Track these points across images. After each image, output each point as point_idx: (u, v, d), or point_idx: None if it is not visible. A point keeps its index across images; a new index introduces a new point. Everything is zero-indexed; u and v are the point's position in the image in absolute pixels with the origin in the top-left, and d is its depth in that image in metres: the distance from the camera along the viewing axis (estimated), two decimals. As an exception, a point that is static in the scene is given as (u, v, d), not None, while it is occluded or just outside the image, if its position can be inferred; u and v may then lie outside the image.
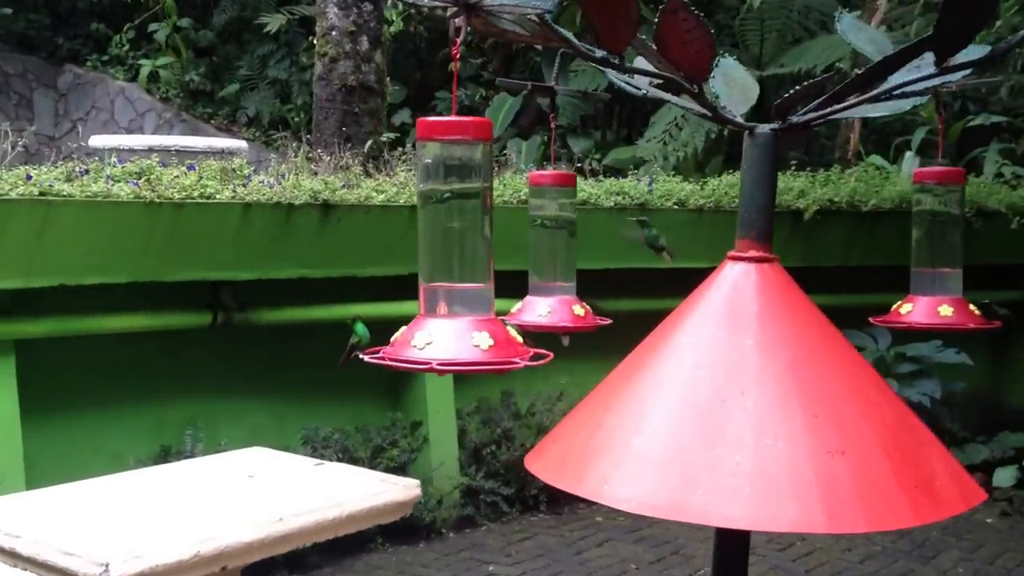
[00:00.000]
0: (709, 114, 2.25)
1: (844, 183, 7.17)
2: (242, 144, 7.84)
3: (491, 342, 1.82)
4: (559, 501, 6.63)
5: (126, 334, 5.50)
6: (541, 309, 2.75)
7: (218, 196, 5.27)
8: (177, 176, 5.23)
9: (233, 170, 5.40)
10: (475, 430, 6.50)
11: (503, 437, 6.45)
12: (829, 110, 2.25)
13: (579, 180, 6.61)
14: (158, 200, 5.05)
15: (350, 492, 4.01)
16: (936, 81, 2.21)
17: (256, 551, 3.63)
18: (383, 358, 1.86)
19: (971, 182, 7.44)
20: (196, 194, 5.19)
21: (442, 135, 1.81)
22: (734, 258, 2.30)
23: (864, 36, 2.57)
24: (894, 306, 2.77)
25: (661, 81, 2.44)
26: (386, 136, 6.95)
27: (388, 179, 6.04)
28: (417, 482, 4.24)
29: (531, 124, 10.00)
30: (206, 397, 5.90)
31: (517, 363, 1.84)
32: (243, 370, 6.01)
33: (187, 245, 5.27)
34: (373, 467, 6.03)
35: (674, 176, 7.29)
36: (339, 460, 5.87)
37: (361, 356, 1.86)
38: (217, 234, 5.36)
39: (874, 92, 2.18)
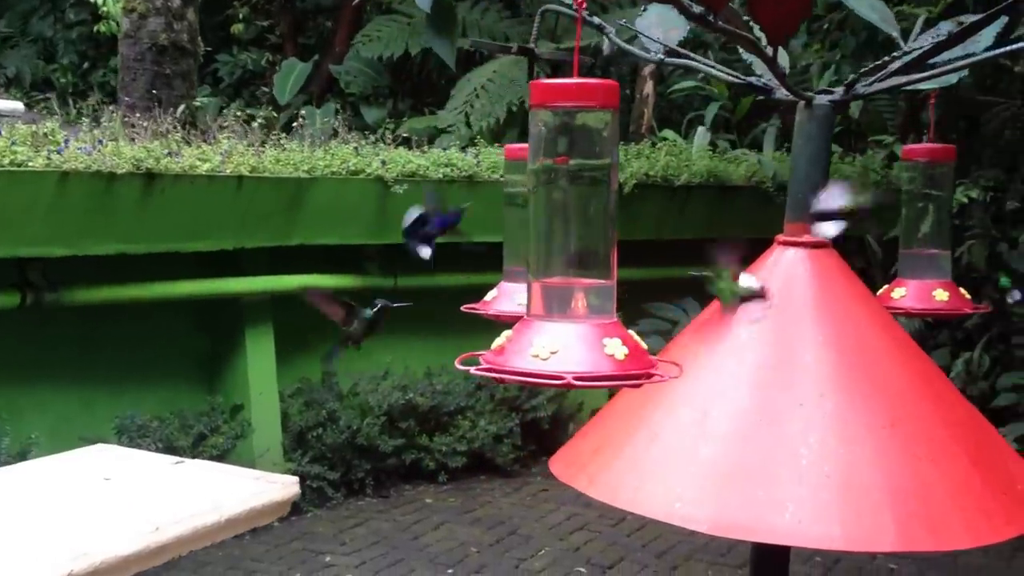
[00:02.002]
0: (767, 85, 2.00)
1: (656, 158, 7.12)
2: (18, 105, 6.99)
3: (625, 350, 1.50)
4: (385, 484, 6.28)
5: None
6: (520, 297, 2.41)
7: (31, 164, 4.61)
8: (-19, 141, 4.54)
9: (45, 135, 4.74)
10: (298, 413, 6.05)
11: (328, 419, 6.03)
12: (899, 81, 2.05)
13: (404, 151, 6.27)
14: (-42, 167, 4.37)
15: (226, 494, 3.57)
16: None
17: (133, 565, 3.16)
18: (494, 369, 1.50)
19: (778, 157, 7.57)
20: (6, 161, 4.52)
21: (562, 100, 1.48)
22: (785, 243, 2.08)
23: (866, 3, 2.39)
24: (882, 290, 2.61)
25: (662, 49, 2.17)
26: (200, 100, 6.35)
27: (210, 147, 5.50)
28: (295, 479, 3.84)
29: (322, 91, 9.50)
30: (9, 385, 5.20)
31: (662, 376, 1.53)
32: (51, 355, 5.35)
33: (-7, 218, 4.61)
34: (195, 457, 5.51)
35: (480, 147, 7.02)
36: (158, 451, 5.33)
37: (457, 364, 1.50)
38: (28, 206, 4.70)
39: (955, 66, 2.01)
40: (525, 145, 2.59)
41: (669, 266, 6.82)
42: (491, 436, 6.39)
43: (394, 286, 6.43)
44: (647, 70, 8.92)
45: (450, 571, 5.20)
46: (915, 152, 2.56)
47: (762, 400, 1.81)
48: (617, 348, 1.49)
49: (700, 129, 8.23)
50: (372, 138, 6.50)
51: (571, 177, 1.50)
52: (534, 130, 1.51)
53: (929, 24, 2.38)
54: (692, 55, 2.25)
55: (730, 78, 2.12)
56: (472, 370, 1.52)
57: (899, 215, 6.44)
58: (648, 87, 8.77)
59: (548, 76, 2.66)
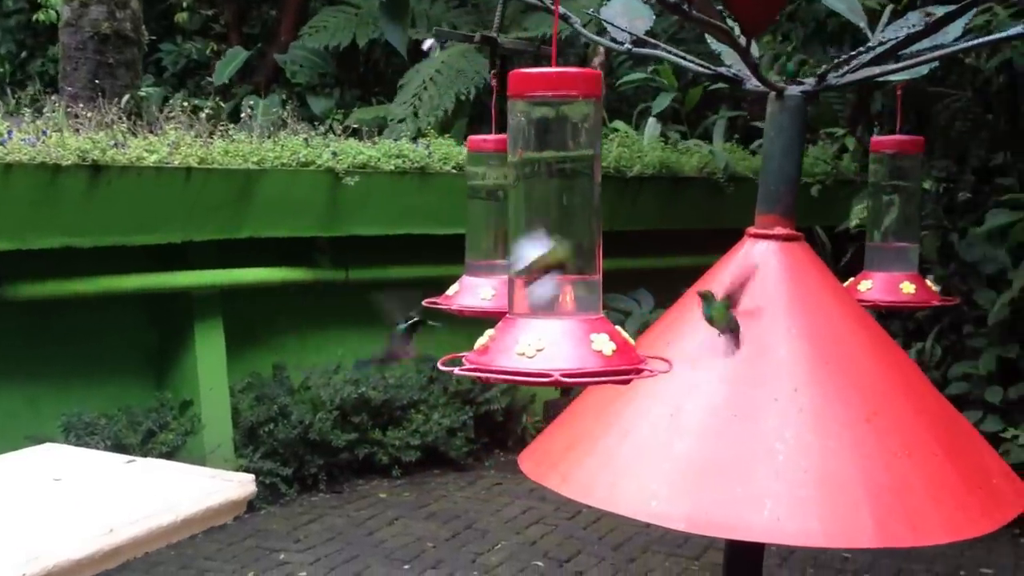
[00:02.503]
0: (737, 75, 1.96)
1: (608, 149, 7.10)
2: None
3: (613, 346, 1.46)
4: (338, 480, 6.20)
5: None
6: (484, 292, 2.38)
7: (-28, 155, 4.49)
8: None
9: (-14, 125, 4.61)
10: (249, 408, 5.95)
11: (279, 414, 5.94)
12: (871, 72, 2.02)
13: (355, 143, 6.19)
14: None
15: (181, 493, 3.50)
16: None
17: (87, 568, 3.08)
18: (479, 369, 1.45)
19: (729, 148, 7.58)
20: (-53, 152, 4.40)
21: (540, 90, 1.42)
22: (756, 236, 2.04)
23: (834, -5, 2.37)
24: (848, 282, 2.59)
25: (630, 39, 2.13)
26: (145, 90, 6.21)
27: (156, 138, 5.38)
28: (251, 477, 3.77)
29: (267, 81, 9.36)
30: (-49, 384, 5.07)
31: (652, 371, 1.49)
32: (-6, 351, 5.23)
33: (-67, 212, 4.48)
34: (145, 455, 5.40)
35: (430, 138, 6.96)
36: (107, 448, 5.22)
37: (440, 365, 1.45)
38: (-31, 199, 4.58)
39: (928, 57, 1.98)
40: (488, 136, 2.55)
41: (622, 257, 6.81)
42: (444, 429, 6.34)
43: (346, 279, 6.35)
44: (596, 60, 8.89)
45: (406, 567, 5.14)
46: (883, 144, 2.54)
47: (736, 395, 1.77)
48: (605, 344, 1.44)
49: (650, 120, 8.22)
50: (322, 129, 6.41)
51: (553, 169, 1.45)
52: (513, 121, 1.46)
53: (896, 15, 2.36)
54: (662, 45, 2.21)
55: (700, 68, 2.08)
56: (456, 371, 1.47)
57: (850, 207, 6.43)
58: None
59: (496, 65, 2.63)
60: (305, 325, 6.41)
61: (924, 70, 2.19)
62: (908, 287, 2.49)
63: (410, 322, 1.94)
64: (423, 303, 2.55)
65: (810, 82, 2.01)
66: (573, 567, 5.18)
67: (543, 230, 1.46)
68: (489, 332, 1.51)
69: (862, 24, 2.38)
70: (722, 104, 9.07)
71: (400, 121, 8.29)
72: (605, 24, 2.24)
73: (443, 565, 5.16)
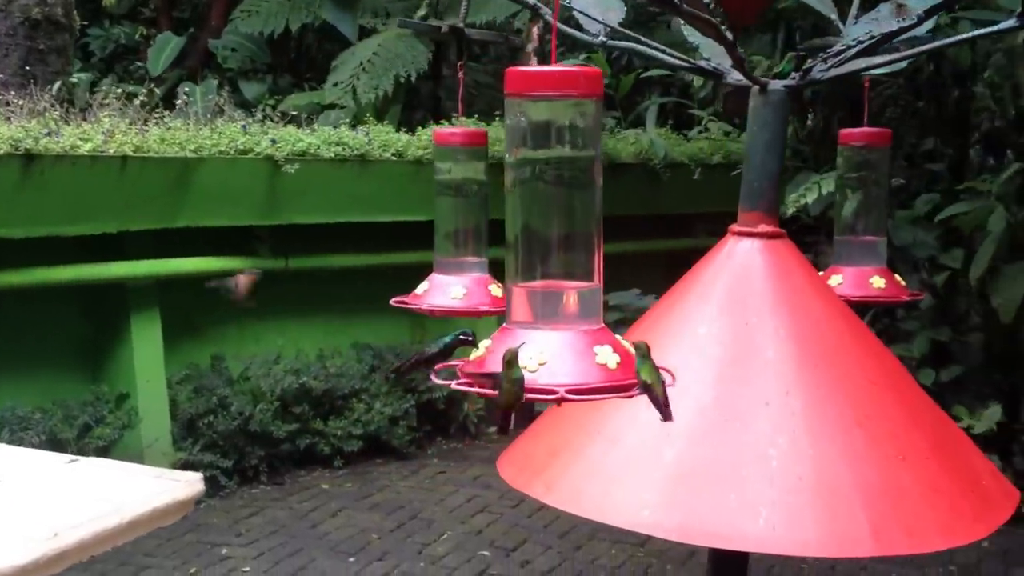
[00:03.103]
0: (717, 69, 1.88)
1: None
2: None
3: (617, 358, 1.37)
4: (279, 471, 6.06)
5: None
6: (454, 291, 2.27)
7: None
8: None
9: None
10: (187, 400, 5.78)
11: (219, 406, 5.77)
12: (857, 67, 1.95)
13: (293, 129, 6.03)
14: None
15: (126, 494, 3.35)
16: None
17: (31, 574, 2.93)
18: (476, 384, 1.35)
19: (663, 134, 7.53)
20: None
21: (541, 89, 1.33)
22: (740, 233, 1.97)
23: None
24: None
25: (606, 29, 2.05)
26: (77, 77, 5.98)
27: (90, 125, 5.18)
28: (199, 476, 3.62)
29: (200, 67, 9.11)
30: None
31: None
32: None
33: None
34: (81, 450, 5.21)
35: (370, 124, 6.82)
36: (42, 444, 5.03)
37: (436, 379, 1.35)
38: None
39: (918, 50, 1.92)
40: (455, 129, 2.44)
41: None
42: (387, 418, 6.22)
43: (285, 267, 6.20)
44: (531, 47, 8.79)
45: (351, 559, 5.03)
46: (852, 136, 2.48)
47: (726, 398, 1.70)
48: (609, 356, 1.36)
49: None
50: (259, 116, 6.23)
51: (552, 171, 1.36)
52: (511, 121, 1.36)
53: (865, 7, 2.31)
54: (640, 38, 2.12)
55: (678, 62, 2.00)
56: (453, 384, 1.37)
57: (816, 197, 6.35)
58: (533, 64, 8.64)
59: (432, 54, 2.52)
60: (244, 315, 6.24)
61: (903, 64, 2.14)
62: (878, 282, 2.44)
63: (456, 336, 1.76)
64: (391, 302, 2.43)
65: (795, 76, 1.94)
66: (520, 556, 5.11)
67: (542, 238, 1.36)
68: (485, 343, 1.41)
69: (833, 16, 2.32)
70: (653, 90, 9.04)
71: (336, 107, 8.13)
72: (577, 15, 2.15)
73: (389, 557, 5.05)
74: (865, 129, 2.49)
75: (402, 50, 8.36)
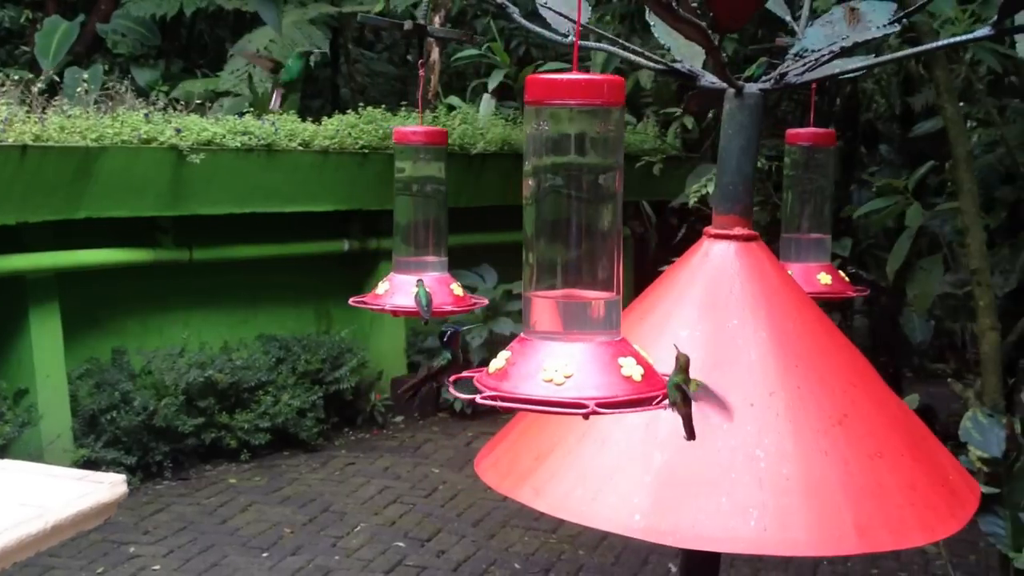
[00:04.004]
0: (691, 71, 1.86)
1: (451, 126, 6.96)
2: None
3: (641, 370, 1.33)
4: (184, 466, 5.88)
5: None
6: (415, 291, 2.20)
7: None
8: None
9: None
10: (88, 395, 5.56)
11: (121, 401, 5.57)
12: (833, 71, 1.95)
13: (198, 118, 5.85)
14: None
15: (49, 498, 3.21)
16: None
17: (-45, 583, 2.80)
18: (502, 397, 1.29)
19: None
20: None
21: (563, 98, 1.28)
22: (715, 236, 1.95)
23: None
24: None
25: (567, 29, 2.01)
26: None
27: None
28: (122, 478, 3.52)
29: (88, 51, 8.76)
30: None
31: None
32: None
33: None
34: (-21, 448, 4.98)
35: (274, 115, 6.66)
36: (-61, 444, 4.79)
37: (453, 392, 1.29)
38: None
39: (899, 55, 1.92)
40: (417, 128, 2.37)
41: (466, 233, 6.69)
42: (294, 411, 6.09)
43: (189, 259, 6.01)
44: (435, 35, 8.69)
45: (264, 554, 4.91)
46: (798, 136, 2.50)
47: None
48: (633, 368, 1.32)
49: (485, 96, 8.08)
50: (160, 103, 6.02)
51: (573, 180, 1.31)
52: (531, 130, 1.31)
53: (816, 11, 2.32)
54: (615, 38, 2.09)
55: (652, 64, 1.97)
56: (478, 399, 1.31)
57: (683, 184, 6.43)
58: (435, 53, 8.55)
59: (330, 42, 2.45)
60: (146, 308, 6.04)
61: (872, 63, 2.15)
62: (825, 278, 2.46)
63: (446, 335, 1.69)
64: (350, 302, 2.36)
65: (770, 79, 1.93)
66: (435, 546, 5.07)
67: (562, 247, 1.32)
68: (504, 354, 1.36)
69: (787, 18, 2.32)
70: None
71: (231, 94, 7.91)
72: (544, 13, 2.11)
73: (303, 551, 4.95)
74: (811, 130, 2.51)
75: (298, 37, 8.19)
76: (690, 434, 1.43)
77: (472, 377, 1.37)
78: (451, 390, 1.35)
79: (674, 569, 4.87)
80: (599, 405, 1.27)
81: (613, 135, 1.31)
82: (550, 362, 1.31)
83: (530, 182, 1.33)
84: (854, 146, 6.87)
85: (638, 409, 1.33)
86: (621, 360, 1.32)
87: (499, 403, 1.31)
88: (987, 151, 5.55)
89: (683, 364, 1.40)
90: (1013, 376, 5.21)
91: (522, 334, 1.38)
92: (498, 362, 1.35)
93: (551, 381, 1.29)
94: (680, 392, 1.39)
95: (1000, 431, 3.06)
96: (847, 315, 6.63)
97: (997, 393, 4.19)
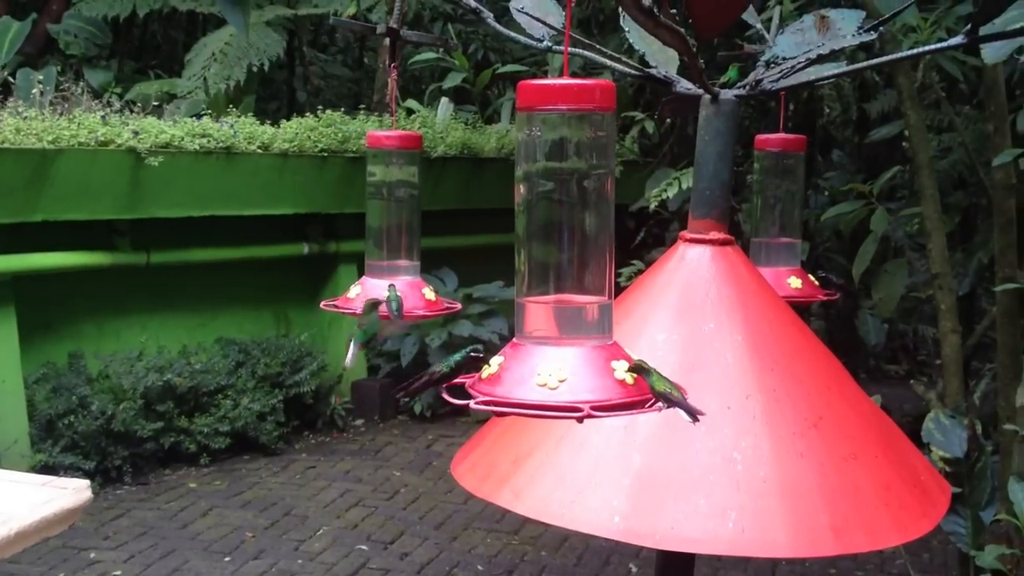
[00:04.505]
0: (667, 77, 1.87)
1: (411, 129, 6.93)
2: None
3: (634, 373, 1.34)
4: (143, 471, 5.82)
5: None
6: (387, 295, 2.19)
7: None
8: None
9: None
10: (45, 400, 5.48)
11: (79, 406, 5.49)
12: (808, 78, 1.97)
13: (155, 120, 5.79)
14: None
15: (11, 504, 3.15)
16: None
17: (-83, 597, 2.74)
18: (496, 402, 1.29)
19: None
20: None
21: (556, 103, 1.28)
22: (691, 240, 1.97)
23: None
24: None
25: (552, 33, 2.02)
26: None
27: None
28: (87, 483, 3.44)
29: (39, 52, 8.64)
30: None
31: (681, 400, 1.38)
32: None
33: None
34: (-64, 454, 4.90)
35: (233, 116, 6.62)
36: None
37: (447, 396, 1.29)
38: None
39: (873, 63, 1.95)
40: (390, 132, 2.37)
41: (426, 236, 6.66)
42: (254, 414, 6.04)
43: (147, 263, 5.95)
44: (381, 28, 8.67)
45: (227, 559, 4.87)
46: (768, 142, 2.53)
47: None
48: (626, 372, 1.33)
49: (443, 100, 8.09)
50: (117, 105, 5.96)
51: (565, 186, 1.32)
52: (522, 136, 1.31)
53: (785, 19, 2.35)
54: (599, 45, 2.10)
55: (628, 69, 1.98)
56: (472, 404, 1.31)
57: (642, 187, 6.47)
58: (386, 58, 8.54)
59: (286, 45, 2.44)
60: (103, 311, 5.97)
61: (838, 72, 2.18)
62: (795, 282, 2.49)
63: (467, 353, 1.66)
64: (321, 305, 2.34)
65: (744, 85, 1.95)
66: (398, 548, 5.05)
67: (555, 252, 1.32)
68: (498, 359, 1.36)
69: (758, 25, 2.34)
70: (509, 85, 9.06)
71: (188, 94, 7.84)
72: (518, 18, 2.11)
73: (265, 555, 4.91)
74: (781, 135, 2.54)
75: (254, 39, 8.13)
76: (695, 415, 1.42)
77: (466, 384, 1.37)
78: (445, 396, 1.35)
79: (635, 570, 4.89)
80: (594, 409, 1.28)
81: (605, 139, 1.32)
82: (544, 366, 1.31)
83: (522, 187, 1.34)
84: (810, 152, 6.94)
85: (632, 412, 1.34)
86: (614, 364, 1.33)
87: (493, 408, 1.31)
88: (940, 158, 5.64)
89: (644, 365, 1.41)
90: (972, 378, 5.29)
91: (515, 339, 1.38)
92: (491, 367, 1.35)
93: (545, 385, 1.29)
94: (665, 387, 1.39)
95: (962, 432, 3.11)
96: (805, 318, 6.71)
97: (959, 395, 4.25)
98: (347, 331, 6.76)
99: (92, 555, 4.86)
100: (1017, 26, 1.69)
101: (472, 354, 1.43)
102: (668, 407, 1.38)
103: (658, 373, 1.40)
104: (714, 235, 1.92)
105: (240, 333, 6.41)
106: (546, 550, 5.09)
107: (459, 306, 2.43)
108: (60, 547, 4.91)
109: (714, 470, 1.72)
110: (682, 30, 1.66)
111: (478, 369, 1.38)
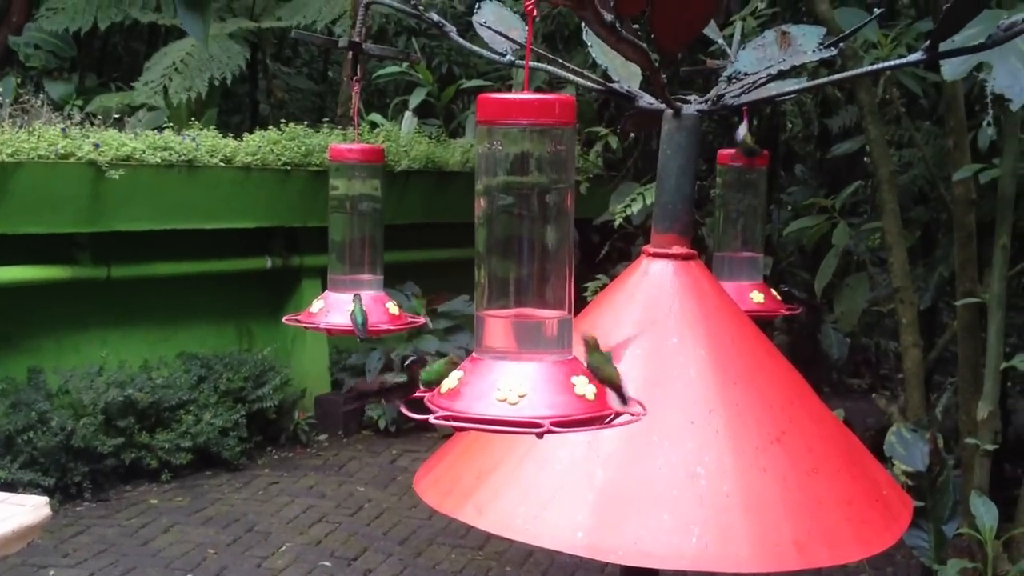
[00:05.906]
0: (629, 92, 1.88)
1: (375, 143, 6.92)
2: None
3: (593, 388, 1.33)
4: (103, 487, 5.74)
5: None
6: (351, 308, 2.18)
7: None
8: None
9: None
10: (4, 416, 5.40)
11: (38, 421, 5.42)
12: (770, 93, 1.98)
13: (116, 133, 5.75)
14: None
15: (-34, 523, 3.11)
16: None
17: None
18: (455, 417, 1.28)
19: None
20: None
21: (516, 118, 1.28)
22: (654, 255, 1.97)
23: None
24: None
25: (513, 48, 2.02)
26: None
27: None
28: (46, 500, 3.42)
29: None
30: None
31: (633, 416, 1.37)
32: None
33: None
34: None
35: (195, 128, 6.58)
36: None
37: (406, 411, 1.28)
38: None
39: (835, 78, 1.96)
40: (352, 145, 2.36)
41: (390, 250, 6.65)
42: (216, 430, 5.98)
43: (107, 276, 5.89)
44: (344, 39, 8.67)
45: (188, 576, 4.82)
46: (731, 157, 2.53)
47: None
48: (586, 387, 1.32)
49: (407, 114, 8.11)
50: (78, 117, 5.91)
51: (524, 199, 1.31)
52: (482, 149, 1.31)
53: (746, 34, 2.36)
54: (562, 61, 2.10)
55: (590, 84, 1.98)
56: (432, 419, 1.30)
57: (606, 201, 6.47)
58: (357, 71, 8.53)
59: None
60: (63, 326, 5.90)
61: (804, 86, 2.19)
62: (757, 296, 2.49)
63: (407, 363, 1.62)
64: (284, 320, 2.32)
65: (705, 100, 1.95)
66: (362, 565, 5.02)
67: (514, 266, 1.31)
68: (457, 374, 1.35)
69: (720, 41, 2.36)
70: (473, 99, 9.07)
71: (148, 108, 7.79)
72: (481, 32, 2.11)
73: (227, 572, 4.86)
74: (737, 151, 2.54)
75: (216, 51, 8.10)
76: (624, 400, 1.41)
77: (425, 398, 1.36)
78: (404, 410, 1.34)
79: (600, 584, 4.89)
80: (554, 424, 1.27)
81: (564, 154, 1.31)
82: (504, 381, 1.30)
83: (482, 201, 1.33)
84: (773, 167, 6.98)
85: (592, 428, 1.34)
86: (574, 379, 1.33)
87: (452, 423, 1.30)
88: (901, 172, 5.69)
89: (592, 345, 1.41)
90: (934, 392, 5.33)
91: (474, 353, 1.37)
92: (450, 382, 1.34)
93: (505, 400, 1.28)
94: (599, 371, 1.39)
95: (924, 446, 3.13)
96: (768, 332, 6.74)
97: (920, 408, 4.28)
98: (311, 346, 6.73)
99: (51, 573, 4.79)
100: (976, 43, 1.70)
101: (412, 363, 1.42)
102: (602, 387, 1.37)
103: (600, 352, 1.40)
104: (677, 249, 1.92)
105: (202, 348, 6.35)
106: (511, 566, 5.07)
107: (423, 320, 2.42)
108: (19, 564, 4.84)
109: (677, 485, 1.72)
110: (644, 45, 1.67)
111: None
